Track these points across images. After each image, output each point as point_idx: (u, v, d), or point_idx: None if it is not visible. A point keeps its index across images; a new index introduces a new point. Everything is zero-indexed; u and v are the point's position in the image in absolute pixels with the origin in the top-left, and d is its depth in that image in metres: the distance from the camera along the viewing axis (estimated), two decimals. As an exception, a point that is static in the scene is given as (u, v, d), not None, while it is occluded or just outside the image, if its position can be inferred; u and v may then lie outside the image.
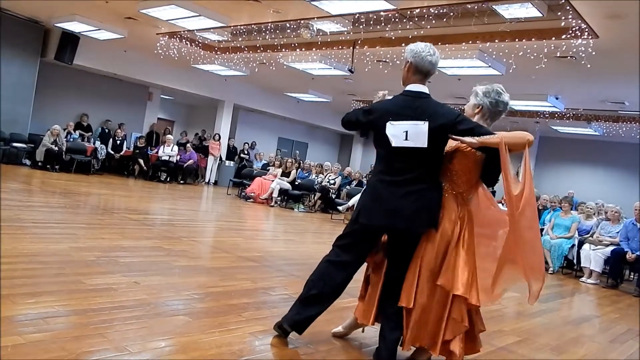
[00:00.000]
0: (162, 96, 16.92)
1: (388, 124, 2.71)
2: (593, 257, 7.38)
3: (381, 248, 2.96)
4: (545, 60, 8.13)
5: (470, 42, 7.95)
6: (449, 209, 2.74)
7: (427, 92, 2.77)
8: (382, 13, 7.44)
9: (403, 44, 8.63)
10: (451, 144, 2.76)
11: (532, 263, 2.62)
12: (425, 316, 2.70)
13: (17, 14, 11.46)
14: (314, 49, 10.06)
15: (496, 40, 7.69)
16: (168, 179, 14.05)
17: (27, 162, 12.20)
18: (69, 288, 3.29)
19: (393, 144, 2.70)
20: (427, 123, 2.65)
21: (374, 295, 2.94)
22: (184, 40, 11.01)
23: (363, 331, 3.17)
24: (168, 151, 13.98)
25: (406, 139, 2.67)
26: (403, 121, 2.69)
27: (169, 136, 14.59)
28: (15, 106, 11.93)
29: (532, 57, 8.17)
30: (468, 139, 2.61)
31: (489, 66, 8.64)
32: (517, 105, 12.16)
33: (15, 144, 11.82)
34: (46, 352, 2.29)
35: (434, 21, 7.48)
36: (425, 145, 2.65)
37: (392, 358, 2.74)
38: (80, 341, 2.47)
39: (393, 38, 8.49)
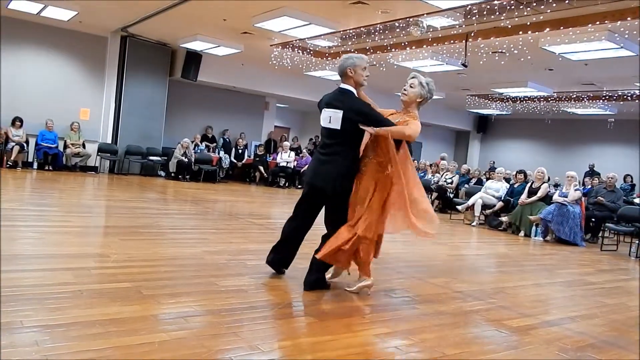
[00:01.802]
0: (277, 105, 17.62)
1: (323, 110, 3.77)
2: None
3: None
4: (690, 34, 7.25)
5: (598, 22, 7.31)
6: (369, 171, 3.73)
7: (350, 89, 3.73)
8: (495, 2, 7.11)
9: (520, 32, 8.18)
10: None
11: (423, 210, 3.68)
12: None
13: (147, 39, 12.66)
14: (424, 46, 9.88)
15: (628, 18, 7.00)
16: (287, 184, 14.58)
17: (162, 173, 13.38)
18: (204, 289, 3.54)
19: (322, 124, 3.77)
20: (342, 112, 3.63)
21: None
22: (296, 49, 11.39)
23: (349, 273, 4.00)
24: (285, 157, 14.53)
25: (329, 122, 3.70)
26: (330, 109, 3.70)
27: (285, 143, 15.17)
28: (150, 122, 13.18)
29: (674, 33, 7.33)
30: (370, 128, 3.61)
31: (621, 47, 7.88)
32: (657, 87, 10.96)
33: (151, 157, 13.03)
34: (188, 348, 2.48)
35: (554, 4, 6.99)
36: (339, 128, 3.64)
37: None
38: (217, 339, 2.65)
39: (509, 27, 8.07)
